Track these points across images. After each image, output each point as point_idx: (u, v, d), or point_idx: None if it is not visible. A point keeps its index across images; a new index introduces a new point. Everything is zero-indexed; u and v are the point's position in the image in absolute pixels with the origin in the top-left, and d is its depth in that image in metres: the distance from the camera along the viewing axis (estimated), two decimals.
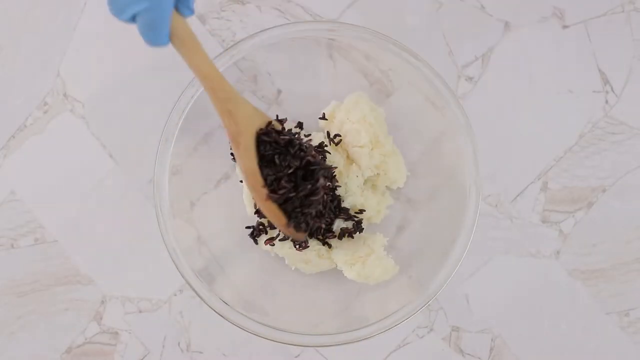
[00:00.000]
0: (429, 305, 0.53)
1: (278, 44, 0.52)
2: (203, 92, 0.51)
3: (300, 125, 0.54)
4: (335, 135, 0.53)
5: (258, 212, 0.52)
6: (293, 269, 0.53)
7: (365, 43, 0.52)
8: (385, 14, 0.57)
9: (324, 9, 0.57)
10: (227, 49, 0.51)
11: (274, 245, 0.52)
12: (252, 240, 0.54)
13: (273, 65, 0.54)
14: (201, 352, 0.56)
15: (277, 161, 0.47)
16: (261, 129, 0.48)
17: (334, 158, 0.53)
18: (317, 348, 0.56)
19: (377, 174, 0.53)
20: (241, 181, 0.54)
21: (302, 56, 0.54)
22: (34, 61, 0.57)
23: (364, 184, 0.53)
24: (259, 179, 0.47)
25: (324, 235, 0.53)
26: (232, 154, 0.54)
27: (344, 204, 0.53)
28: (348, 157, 0.53)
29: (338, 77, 0.55)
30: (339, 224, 0.54)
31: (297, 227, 0.48)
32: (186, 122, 0.51)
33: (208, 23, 0.57)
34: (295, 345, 0.51)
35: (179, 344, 0.56)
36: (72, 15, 0.57)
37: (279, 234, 0.52)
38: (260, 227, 0.53)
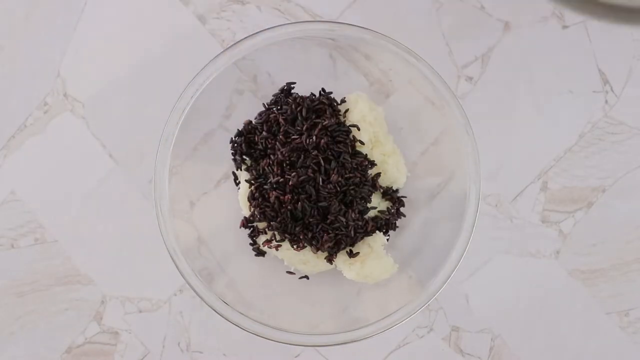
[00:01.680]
0: (428, 305, 0.53)
1: (278, 44, 0.52)
2: (203, 91, 0.51)
3: None
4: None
5: (253, 215, 0.52)
6: (292, 269, 0.53)
7: (365, 43, 0.52)
8: (385, 14, 0.57)
9: (324, 9, 0.57)
10: (227, 49, 0.51)
11: (271, 247, 0.52)
12: (251, 240, 0.54)
13: (273, 65, 0.54)
14: (201, 352, 0.56)
15: None
16: None
17: None
18: (317, 348, 0.56)
19: (377, 173, 0.53)
20: (237, 183, 0.54)
21: (302, 56, 0.54)
22: (34, 61, 0.57)
23: None
24: None
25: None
26: (232, 153, 0.54)
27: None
28: None
29: (338, 77, 0.55)
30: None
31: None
32: (186, 122, 0.51)
33: (208, 23, 0.57)
34: (295, 345, 0.51)
35: (179, 343, 0.56)
36: (72, 15, 0.57)
37: (274, 235, 0.52)
38: (257, 229, 0.53)
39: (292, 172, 0.50)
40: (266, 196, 0.51)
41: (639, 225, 0.57)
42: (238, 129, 0.54)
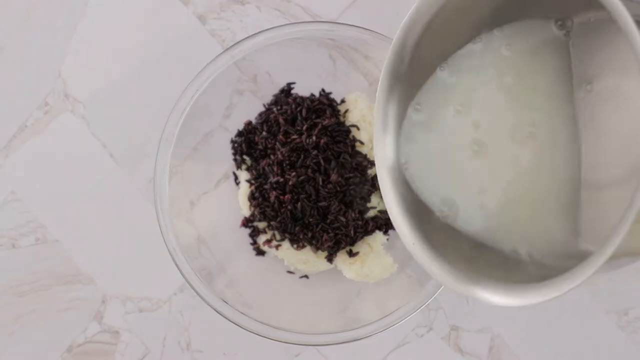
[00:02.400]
0: (428, 304, 0.53)
1: (278, 44, 0.52)
2: (203, 91, 0.51)
3: None
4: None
5: (253, 215, 0.52)
6: (292, 268, 0.54)
7: (365, 43, 0.52)
8: (385, 14, 0.57)
9: (324, 9, 0.57)
10: (227, 49, 0.51)
11: (271, 247, 0.52)
12: (252, 240, 0.54)
13: (273, 65, 0.54)
14: (201, 351, 0.56)
15: None
16: None
17: None
18: (317, 347, 0.56)
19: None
20: (237, 183, 0.54)
21: (301, 56, 0.54)
22: (34, 61, 0.57)
23: None
24: None
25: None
26: (233, 153, 0.54)
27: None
28: None
29: (338, 77, 0.55)
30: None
31: None
32: (186, 122, 0.51)
33: (208, 23, 0.57)
34: (295, 344, 0.51)
35: (179, 343, 0.56)
36: (72, 15, 0.57)
37: (274, 235, 0.52)
38: (257, 229, 0.53)
39: (292, 172, 0.50)
40: (266, 196, 0.51)
41: None
42: (238, 129, 0.54)
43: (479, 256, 0.37)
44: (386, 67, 0.40)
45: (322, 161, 0.50)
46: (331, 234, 0.51)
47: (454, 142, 0.38)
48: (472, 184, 0.37)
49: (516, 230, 0.36)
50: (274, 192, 0.50)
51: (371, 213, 0.53)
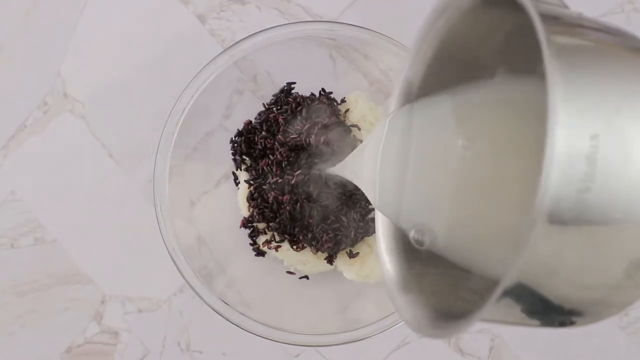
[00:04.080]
0: None
1: (278, 43, 0.52)
2: (203, 91, 0.51)
3: None
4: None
5: (252, 216, 0.52)
6: (292, 269, 0.53)
7: (365, 43, 0.52)
8: (385, 14, 0.57)
9: (324, 9, 0.57)
10: (227, 49, 0.51)
11: (271, 248, 0.52)
12: (251, 240, 0.54)
13: (273, 65, 0.54)
14: (201, 352, 0.56)
15: None
16: None
17: None
18: (317, 348, 0.56)
19: None
20: (237, 183, 0.54)
21: (301, 56, 0.54)
22: (34, 61, 0.57)
23: None
24: None
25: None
26: (232, 153, 0.54)
27: None
28: None
29: (338, 77, 0.55)
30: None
31: None
32: (186, 122, 0.51)
33: (208, 23, 0.57)
34: (295, 344, 0.51)
35: (178, 343, 0.56)
36: (72, 14, 0.57)
37: (274, 236, 0.52)
38: (257, 229, 0.53)
39: (292, 172, 0.50)
40: (265, 197, 0.51)
41: None
42: (238, 129, 0.54)
43: (450, 286, 0.36)
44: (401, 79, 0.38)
45: (322, 161, 0.50)
46: (331, 235, 0.51)
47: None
48: (445, 209, 0.35)
49: (493, 257, 0.35)
50: (273, 193, 0.50)
51: (372, 214, 0.53)
